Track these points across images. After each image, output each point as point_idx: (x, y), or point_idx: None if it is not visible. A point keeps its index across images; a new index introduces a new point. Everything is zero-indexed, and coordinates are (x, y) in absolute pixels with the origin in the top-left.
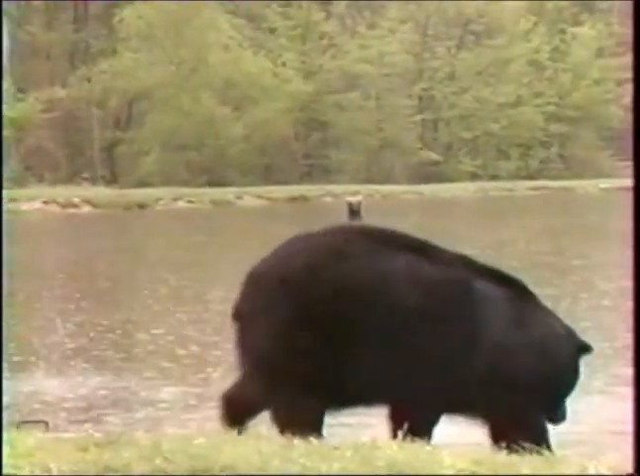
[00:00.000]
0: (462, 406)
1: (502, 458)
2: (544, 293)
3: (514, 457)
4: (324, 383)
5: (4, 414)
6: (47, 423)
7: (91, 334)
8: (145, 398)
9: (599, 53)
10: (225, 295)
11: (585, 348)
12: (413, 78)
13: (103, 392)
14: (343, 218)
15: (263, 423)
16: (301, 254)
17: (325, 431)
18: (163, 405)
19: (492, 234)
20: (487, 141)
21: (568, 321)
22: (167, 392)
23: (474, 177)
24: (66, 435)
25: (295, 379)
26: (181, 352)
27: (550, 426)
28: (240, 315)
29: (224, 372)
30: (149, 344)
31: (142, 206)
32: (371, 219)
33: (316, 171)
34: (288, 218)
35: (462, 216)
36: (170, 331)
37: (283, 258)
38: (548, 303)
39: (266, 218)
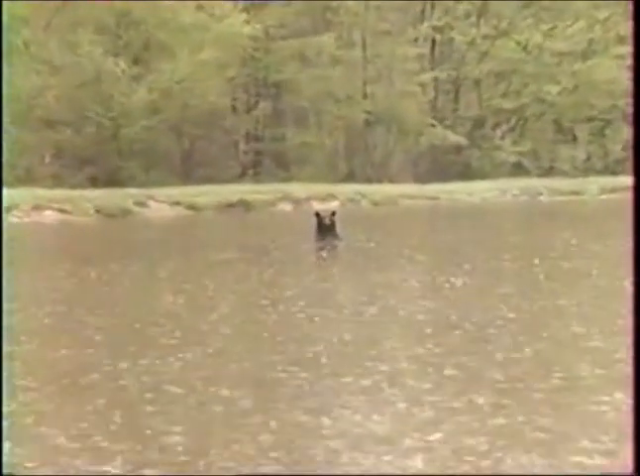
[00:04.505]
0: None
1: None
2: None
3: None
4: None
5: None
6: None
7: None
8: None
9: None
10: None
11: None
12: (420, 13)
13: None
14: (308, 235)
15: None
16: None
17: None
18: None
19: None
20: (540, 114)
21: None
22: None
23: (518, 170)
24: None
25: None
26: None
27: None
28: None
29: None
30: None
31: None
32: (353, 237)
33: (266, 161)
34: (220, 236)
35: (502, 232)
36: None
37: None
38: None
39: (184, 236)
